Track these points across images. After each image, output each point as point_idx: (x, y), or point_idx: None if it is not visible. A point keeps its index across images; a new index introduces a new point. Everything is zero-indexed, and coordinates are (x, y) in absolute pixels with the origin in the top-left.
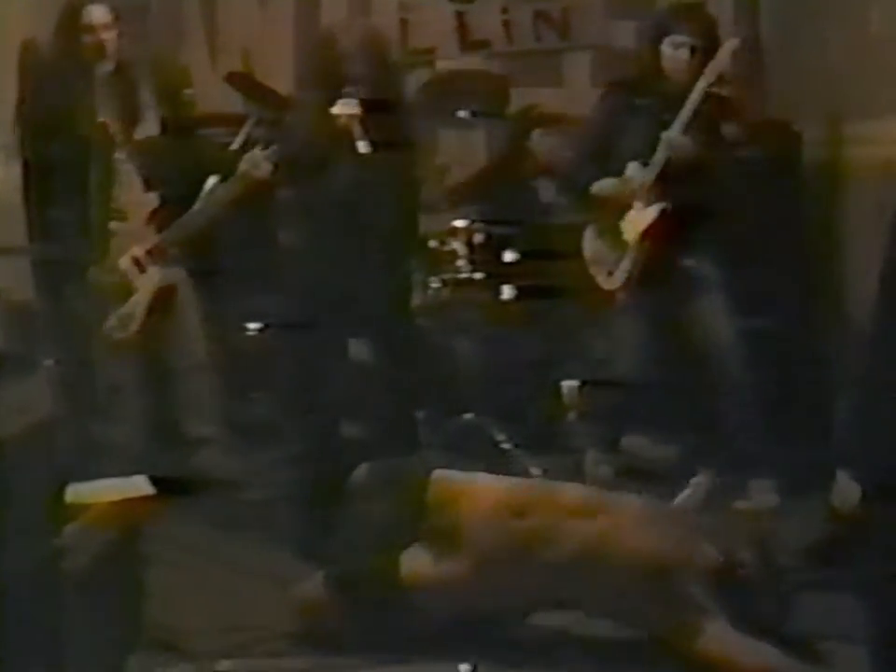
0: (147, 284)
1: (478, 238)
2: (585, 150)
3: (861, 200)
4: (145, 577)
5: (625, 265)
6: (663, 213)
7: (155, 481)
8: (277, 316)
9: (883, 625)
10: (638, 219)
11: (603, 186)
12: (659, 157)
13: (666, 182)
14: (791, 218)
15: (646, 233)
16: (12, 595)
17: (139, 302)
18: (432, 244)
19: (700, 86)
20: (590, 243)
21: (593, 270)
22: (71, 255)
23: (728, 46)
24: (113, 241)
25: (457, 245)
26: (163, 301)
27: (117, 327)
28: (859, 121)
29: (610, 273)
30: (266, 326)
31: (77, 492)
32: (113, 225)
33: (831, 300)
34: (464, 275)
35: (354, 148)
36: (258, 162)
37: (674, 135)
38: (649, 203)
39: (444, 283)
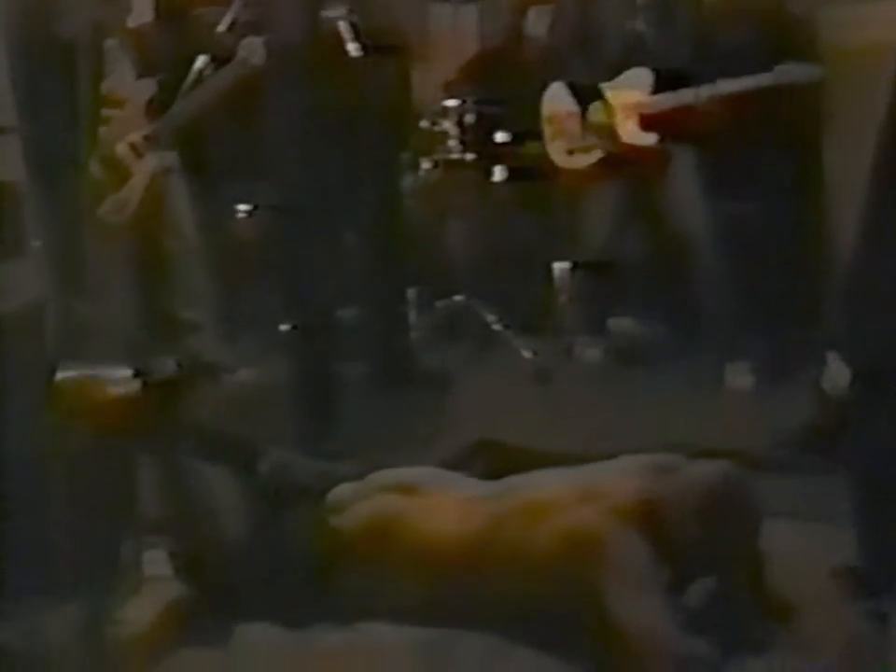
0: (143, 169)
1: (469, 118)
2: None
3: (850, 83)
4: (138, 463)
5: (600, 146)
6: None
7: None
8: (269, 201)
9: (871, 508)
10: (627, 97)
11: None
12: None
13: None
14: (778, 101)
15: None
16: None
17: (135, 187)
18: (423, 124)
19: None
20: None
21: (549, 134)
22: (63, 137)
23: None
24: (108, 127)
25: (448, 126)
26: (159, 186)
27: (112, 211)
28: (847, 3)
29: (571, 153)
30: (255, 208)
31: (67, 375)
32: (107, 112)
33: (820, 182)
34: (455, 156)
35: (344, 52)
36: (255, 49)
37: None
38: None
39: (435, 164)
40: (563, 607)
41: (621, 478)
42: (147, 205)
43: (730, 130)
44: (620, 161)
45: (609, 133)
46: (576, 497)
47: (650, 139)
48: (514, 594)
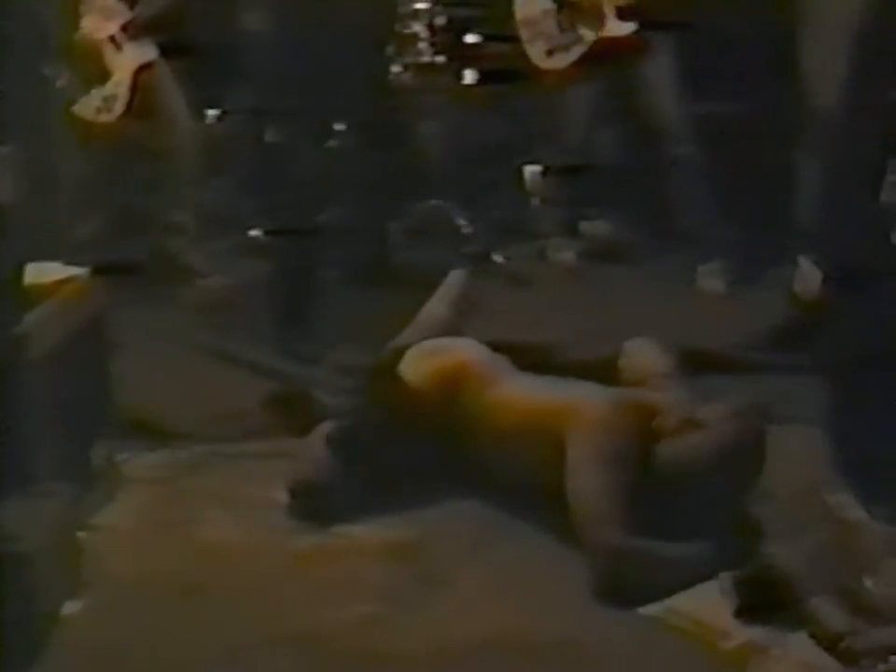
0: (125, 63)
1: (439, 20)
2: None
3: None
4: (112, 363)
5: (578, 49)
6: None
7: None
8: (248, 101)
9: (841, 406)
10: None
11: None
12: None
13: None
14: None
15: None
16: None
17: (121, 82)
18: (395, 27)
19: None
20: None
21: (526, 36)
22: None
23: None
24: (85, 18)
25: (419, 28)
26: (145, 79)
27: (102, 108)
28: None
29: (550, 53)
30: (225, 112)
31: (37, 273)
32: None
33: (796, 82)
34: (426, 59)
35: None
36: None
37: None
38: None
39: (406, 67)
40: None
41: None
42: (140, 99)
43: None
44: (601, 55)
45: (596, 16)
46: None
47: (628, 28)
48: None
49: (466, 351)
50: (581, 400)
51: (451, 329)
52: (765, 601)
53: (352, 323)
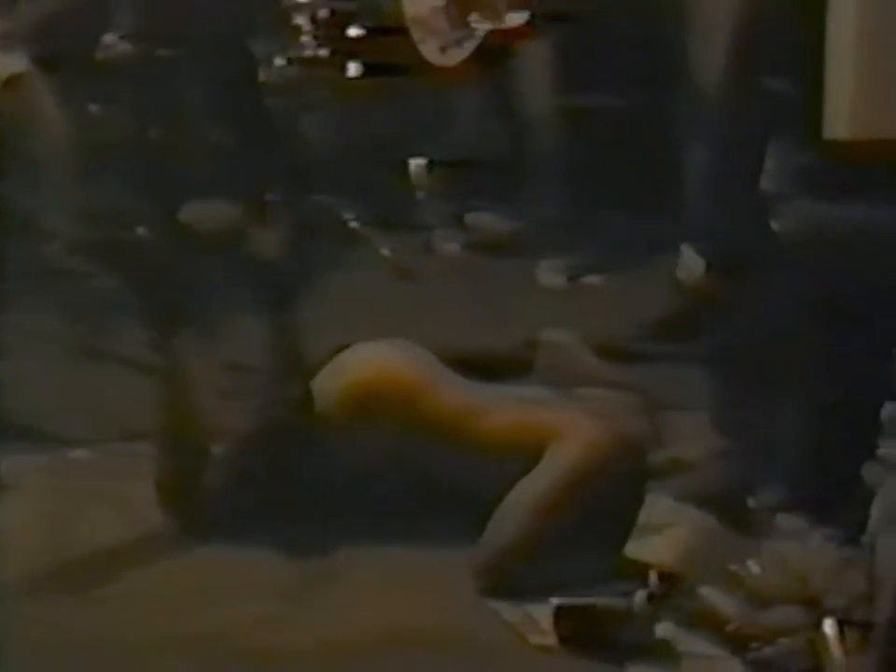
0: None
1: (322, 13)
2: None
3: None
4: None
5: (470, 44)
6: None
7: None
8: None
9: (724, 393)
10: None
11: None
12: None
13: None
14: None
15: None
16: None
17: None
18: (278, 20)
19: None
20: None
21: (417, 35)
22: None
23: None
24: None
25: (301, 21)
26: (14, 90)
27: None
28: None
29: (444, 49)
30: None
31: None
32: None
33: (679, 72)
34: (309, 52)
35: None
36: None
37: None
38: None
39: (290, 61)
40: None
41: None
42: (10, 108)
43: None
44: (494, 48)
45: (487, 7)
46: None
47: (521, 18)
48: None
49: (382, 360)
50: (570, 421)
51: None
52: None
53: (235, 320)
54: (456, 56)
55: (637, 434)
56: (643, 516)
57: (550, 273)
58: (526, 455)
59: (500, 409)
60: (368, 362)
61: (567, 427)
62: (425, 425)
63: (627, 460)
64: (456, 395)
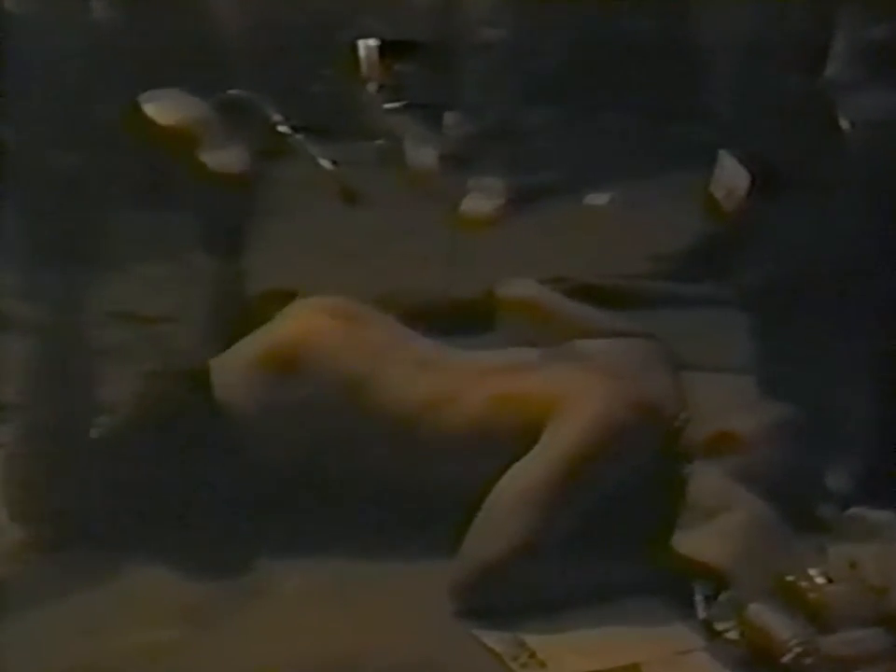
0: None
1: None
2: None
3: None
4: None
5: None
6: None
7: None
8: None
9: (771, 347)
10: None
11: None
12: None
13: None
14: None
15: None
16: None
17: None
18: None
19: None
20: None
21: None
22: None
23: None
24: None
25: None
26: None
27: None
28: None
29: None
30: None
31: None
32: None
33: None
34: None
35: None
36: None
37: None
38: None
39: None
40: None
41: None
42: None
43: None
44: None
45: None
46: None
47: None
48: None
49: (309, 316)
50: (570, 387)
51: None
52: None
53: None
54: None
55: (658, 397)
56: (692, 496)
57: (476, 199)
58: (517, 440)
59: (476, 383)
60: (297, 328)
61: (567, 395)
62: (374, 416)
63: (649, 434)
64: (416, 377)
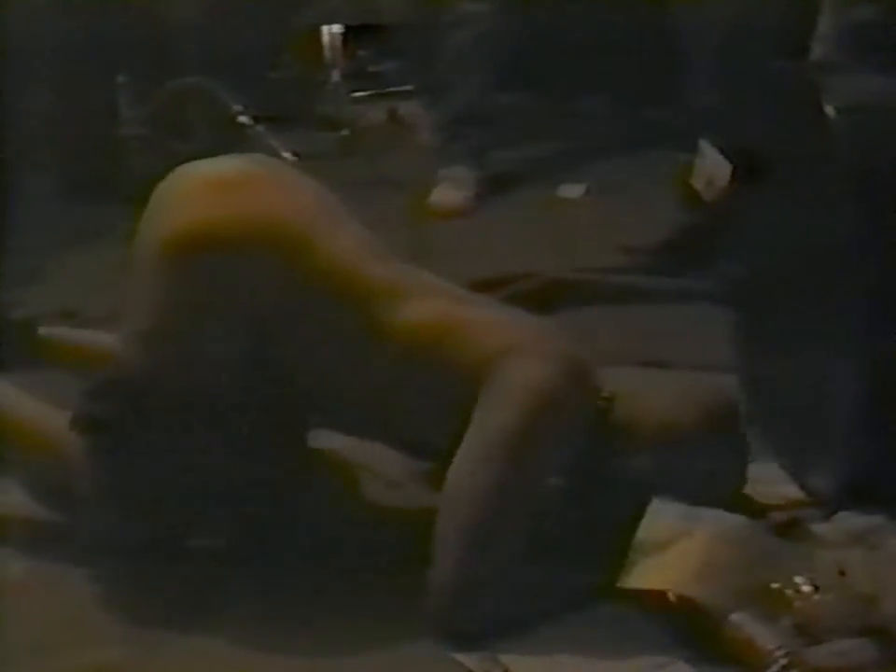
0: None
1: None
2: None
3: None
4: None
5: None
6: None
7: None
8: None
9: (752, 342)
10: None
11: None
12: None
13: None
14: None
15: None
16: None
17: None
18: None
19: None
20: None
21: None
22: None
23: None
24: None
25: None
26: None
27: None
28: None
29: None
30: None
31: None
32: None
33: None
34: None
35: None
36: None
37: None
38: None
39: None
40: None
41: None
42: None
43: None
44: None
45: None
46: None
47: None
48: None
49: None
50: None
51: None
52: None
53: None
54: None
55: (584, 361)
56: (642, 532)
57: (446, 190)
58: (444, 377)
59: (420, 292)
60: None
61: (501, 349)
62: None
63: (580, 406)
64: (359, 256)
